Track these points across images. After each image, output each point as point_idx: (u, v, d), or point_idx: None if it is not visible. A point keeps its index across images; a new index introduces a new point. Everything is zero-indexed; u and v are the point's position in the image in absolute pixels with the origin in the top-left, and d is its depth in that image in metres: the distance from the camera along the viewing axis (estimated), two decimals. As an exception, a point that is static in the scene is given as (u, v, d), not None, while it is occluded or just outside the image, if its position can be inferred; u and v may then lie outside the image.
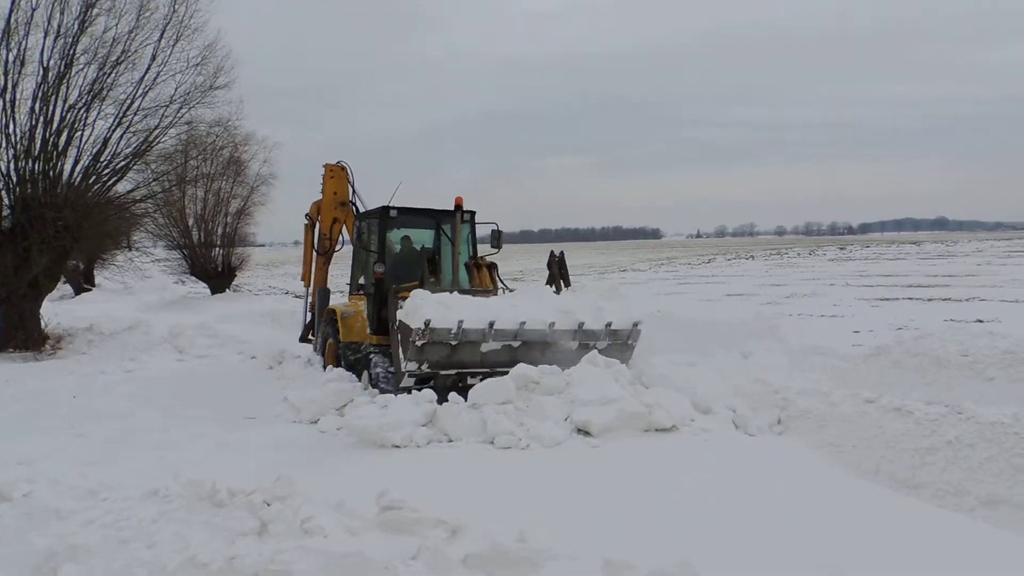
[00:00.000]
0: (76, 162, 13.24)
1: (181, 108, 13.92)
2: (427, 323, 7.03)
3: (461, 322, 7.16)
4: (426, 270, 8.21)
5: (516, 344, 7.53)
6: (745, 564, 3.90)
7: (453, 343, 7.25)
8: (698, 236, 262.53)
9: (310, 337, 11.72)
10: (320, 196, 11.53)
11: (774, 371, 7.94)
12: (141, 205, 16.12)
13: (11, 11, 11.97)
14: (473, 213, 9.62)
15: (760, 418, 6.91)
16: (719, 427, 6.77)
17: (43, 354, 12.78)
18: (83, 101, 12.83)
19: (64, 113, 12.71)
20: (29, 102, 12.49)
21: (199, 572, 3.63)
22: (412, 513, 3.93)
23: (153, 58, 13.24)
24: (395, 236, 9.85)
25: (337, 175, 11.33)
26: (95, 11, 12.52)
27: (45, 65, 12.36)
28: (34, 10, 12.13)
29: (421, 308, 7.10)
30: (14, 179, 12.63)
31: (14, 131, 12.41)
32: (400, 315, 7.34)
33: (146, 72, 13.23)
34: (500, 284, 9.38)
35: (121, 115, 13.26)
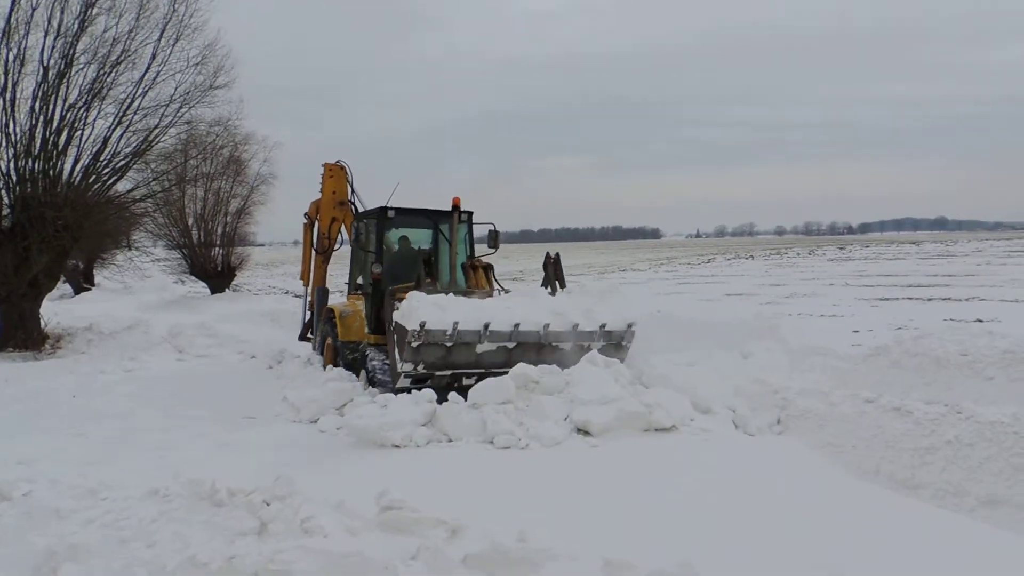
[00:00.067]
0: (76, 161, 13.24)
1: (181, 107, 13.93)
2: (422, 325, 7.07)
3: (456, 324, 7.21)
4: (422, 271, 8.25)
5: (511, 345, 7.58)
6: (745, 564, 3.90)
7: (448, 344, 7.29)
8: (698, 236, 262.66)
9: (309, 335, 11.76)
10: (319, 195, 11.55)
11: (774, 371, 7.94)
12: (141, 204, 16.11)
13: (11, 10, 11.96)
14: (470, 213, 9.65)
15: (760, 418, 6.91)
16: (719, 427, 6.78)
17: (43, 353, 12.77)
18: (83, 100, 12.83)
19: (64, 112, 12.71)
20: (29, 101, 12.49)
21: (199, 572, 3.63)
22: (412, 513, 3.93)
23: (153, 57, 13.24)
24: (393, 236, 9.89)
25: (336, 174, 11.33)
26: (95, 10, 12.52)
27: (45, 64, 12.35)
28: (34, 9, 12.13)
29: (417, 310, 7.14)
30: (14, 178, 12.62)
31: (14, 130, 12.41)
32: (396, 316, 7.39)
33: (146, 71, 13.24)
34: (496, 285, 9.41)
35: (121, 114, 13.27)
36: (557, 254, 9.26)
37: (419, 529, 3.85)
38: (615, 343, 8.08)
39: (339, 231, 11.50)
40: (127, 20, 12.83)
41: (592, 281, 26.04)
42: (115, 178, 13.93)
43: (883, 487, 5.50)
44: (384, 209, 9.21)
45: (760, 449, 6.36)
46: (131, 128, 13.49)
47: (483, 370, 7.51)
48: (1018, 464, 5.07)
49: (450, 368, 7.48)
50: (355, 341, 9.33)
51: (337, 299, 11.86)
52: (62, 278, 20.61)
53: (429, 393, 6.90)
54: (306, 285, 12.18)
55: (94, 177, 13.45)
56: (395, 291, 7.96)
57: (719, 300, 19.59)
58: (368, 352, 8.61)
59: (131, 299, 24.02)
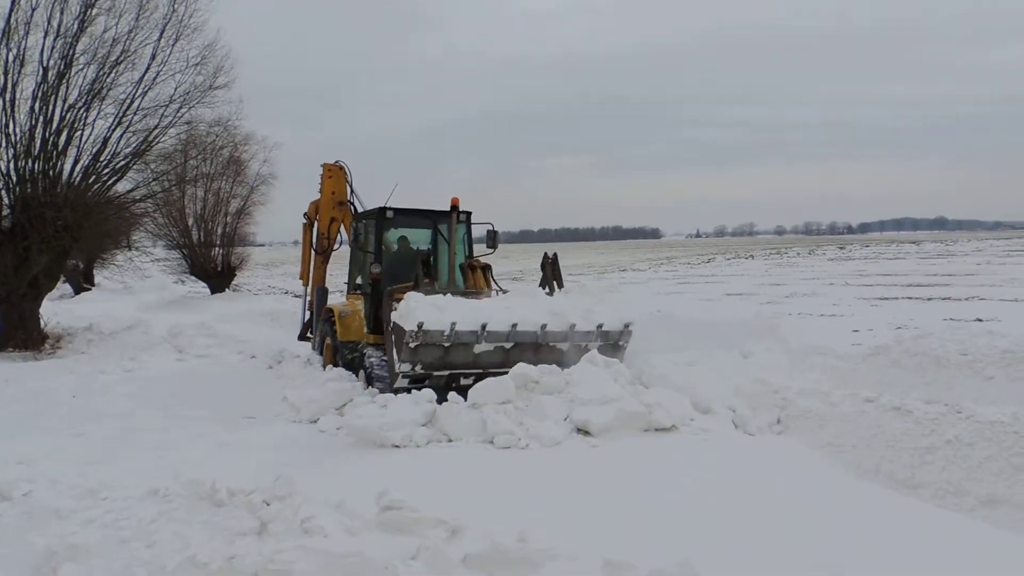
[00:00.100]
0: (76, 162, 13.25)
1: (181, 108, 13.93)
2: (420, 325, 7.09)
3: (454, 324, 7.23)
4: (420, 272, 8.28)
5: (508, 346, 7.60)
6: (745, 564, 3.90)
7: (446, 345, 7.32)
8: (697, 236, 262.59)
9: (308, 335, 11.78)
10: (318, 196, 11.56)
11: (774, 371, 7.94)
12: (141, 205, 16.12)
13: (11, 11, 11.97)
14: (469, 213, 9.69)
15: (760, 418, 6.91)
16: (719, 427, 6.78)
17: (43, 353, 12.77)
18: (83, 101, 12.83)
19: (64, 113, 12.71)
20: (29, 102, 12.49)
21: (199, 572, 3.63)
22: (412, 513, 3.93)
23: (153, 58, 13.24)
24: (392, 236, 9.91)
25: (335, 175, 11.36)
26: (95, 11, 12.52)
27: (45, 65, 12.36)
28: (34, 10, 12.14)
29: (414, 310, 7.17)
30: (14, 178, 12.63)
31: (14, 131, 12.42)
32: (394, 317, 7.41)
33: (146, 72, 13.25)
34: (494, 285, 9.45)
35: (121, 115, 13.27)
36: (555, 254, 9.29)
37: (419, 529, 3.85)
38: (612, 343, 8.10)
39: (338, 231, 11.52)
40: (127, 20, 12.86)
41: (592, 281, 26.05)
42: (115, 178, 13.94)
43: (883, 487, 5.49)
44: (383, 209, 9.23)
45: (760, 449, 6.36)
46: (131, 128, 13.51)
47: (481, 370, 7.53)
48: (1018, 464, 5.07)
49: (448, 368, 7.49)
50: (354, 341, 9.34)
51: (337, 299, 11.88)
52: (62, 278, 20.61)
53: (429, 393, 6.91)
54: (305, 285, 12.20)
55: (94, 177, 13.45)
56: (393, 291, 7.99)
57: (719, 300, 19.58)
58: (366, 352, 8.62)
59: (131, 299, 24.03)
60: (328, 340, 10.04)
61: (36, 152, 12.58)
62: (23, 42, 12.19)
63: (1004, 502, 4.97)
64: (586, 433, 6.49)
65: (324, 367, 9.74)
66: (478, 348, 7.47)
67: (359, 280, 10.06)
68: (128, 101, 13.24)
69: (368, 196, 11.18)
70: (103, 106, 13.18)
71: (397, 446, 6.30)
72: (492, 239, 9.72)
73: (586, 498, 4.96)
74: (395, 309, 7.48)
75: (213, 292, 24.79)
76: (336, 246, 11.81)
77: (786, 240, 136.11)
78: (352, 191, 11.28)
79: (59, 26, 12.30)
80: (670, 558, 3.45)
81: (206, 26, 13.86)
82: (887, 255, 44.89)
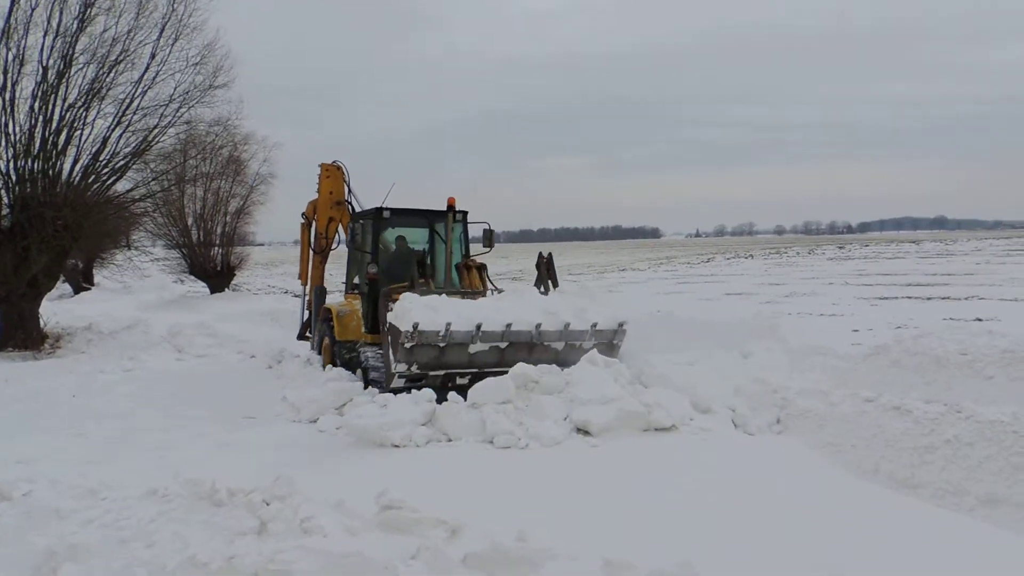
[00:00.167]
0: (75, 161, 13.24)
1: (180, 107, 13.93)
2: (415, 326, 7.14)
3: (449, 324, 7.28)
4: (416, 272, 8.33)
5: (503, 345, 7.64)
6: (745, 564, 3.91)
7: (441, 345, 7.37)
8: (697, 235, 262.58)
9: (307, 335, 11.80)
10: (316, 196, 11.60)
11: (773, 370, 7.95)
12: (140, 204, 16.12)
13: (11, 10, 11.96)
14: (465, 213, 9.74)
15: (759, 418, 6.92)
16: (718, 427, 6.78)
17: (42, 353, 12.77)
18: (82, 100, 12.83)
19: (63, 112, 12.71)
20: (28, 101, 12.49)
21: (198, 571, 3.63)
22: (412, 513, 3.93)
23: (152, 57, 13.24)
24: (390, 236, 9.95)
25: (333, 175, 11.40)
26: (94, 10, 12.51)
27: (44, 64, 12.35)
28: (33, 9, 12.13)
29: (410, 311, 7.22)
30: (13, 178, 12.62)
31: (13, 130, 12.41)
32: (390, 318, 7.47)
33: (145, 71, 13.24)
34: (489, 285, 9.49)
35: (120, 114, 13.27)
36: (550, 254, 9.36)
37: (419, 529, 3.85)
38: (606, 342, 8.14)
39: (336, 231, 11.54)
40: (126, 20, 12.85)
41: (591, 281, 26.06)
42: (114, 178, 13.94)
43: (883, 486, 5.49)
44: (380, 209, 9.29)
45: (760, 449, 6.36)
46: (130, 128, 13.51)
47: (476, 370, 7.60)
48: (1017, 463, 5.07)
49: (443, 368, 7.55)
50: (352, 340, 9.38)
51: (336, 299, 11.88)
52: (61, 278, 20.60)
53: (429, 393, 6.93)
54: (304, 285, 12.24)
55: (93, 177, 13.45)
56: (390, 291, 8.04)
57: (719, 299, 19.57)
58: (364, 351, 8.67)
59: (130, 299, 24.02)
60: (326, 340, 10.06)
61: (36, 151, 12.58)
62: (23, 41, 12.20)
63: (1004, 502, 4.97)
64: (586, 433, 6.50)
65: (324, 367, 9.75)
66: (473, 348, 7.52)
67: (357, 280, 10.09)
68: (128, 101, 13.25)
69: (368, 196, 11.20)
70: (103, 106, 13.20)
71: (397, 446, 6.31)
72: (488, 238, 9.78)
73: (586, 498, 4.96)
74: (391, 310, 7.53)
75: (212, 292, 24.78)
76: (334, 246, 11.84)
77: (786, 240, 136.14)
78: (350, 191, 11.31)
79: (59, 25, 12.30)
80: (670, 558, 3.46)
81: (206, 25, 13.88)
82: (887, 255, 44.88)
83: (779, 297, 19.58)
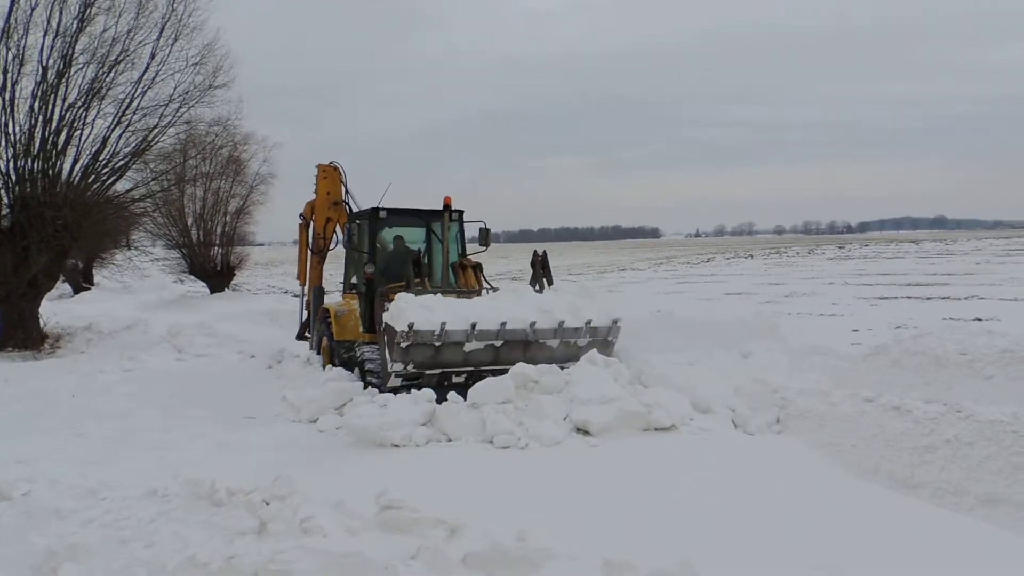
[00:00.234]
0: (75, 161, 13.25)
1: (180, 107, 13.94)
2: (411, 326, 7.20)
3: (444, 324, 7.33)
4: (411, 272, 8.37)
5: (498, 344, 7.69)
6: (745, 564, 3.91)
7: (437, 344, 7.42)
8: (697, 235, 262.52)
9: (306, 335, 11.83)
10: (314, 196, 11.63)
11: (773, 370, 7.95)
12: (140, 204, 16.12)
13: (10, 10, 11.96)
14: (461, 212, 9.81)
15: (759, 417, 6.92)
16: (718, 427, 6.79)
17: (42, 353, 12.77)
18: (82, 100, 12.83)
19: (63, 112, 12.71)
20: (28, 101, 12.49)
21: (198, 571, 3.63)
22: (411, 513, 3.93)
23: (152, 57, 13.24)
24: (388, 236, 10.01)
25: (330, 175, 11.45)
26: (94, 10, 12.52)
27: (44, 64, 12.35)
28: (33, 9, 12.14)
29: (405, 311, 7.28)
30: (13, 178, 12.63)
31: (13, 130, 12.41)
32: (385, 317, 7.53)
33: (145, 71, 13.25)
34: (485, 284, 9.53)
35: (120, 114, 13.27)
36: (544, 252, 9.42)
37: (419, 529, 3.85)
38: (601, 339, 8.19)
39: (334, 231, 11.58)
40: (126, 20, 12.86)
41: (591, 280, 26.06)
42: (114, 178, 13.94)
43: (882, 486, 5.49)
44: (376, 210, 9.34)
45: (760, 449, 6.36)
46: (130, 128, 13.52)
47: (472, 368, 7.68)
48: (1017, 463, 5.07)
49: (439, 367, 7.61)
50: (350, 340, 9.41)
51: (335, 299, 11.89)
52: (61, 278, 20.60)
53: (428, 393, 6.95)
54: (302, 285, 12.26)
55: (93, 177, 13.45)
56: (387, 291, 8.10)
57: (719, 299, 19.57)
58: (361, 349, 8.74)
59: (130, 298, 24.02)
60: (325, 340, 10.10)
61: (35, 151, 12.58)
62: (22, 41, 12.20)
63: (1003, 501, 4.97)
64: (586, 433, 6.50)
65: (324, 367, 9.76)
66: (468, 347, 7.58)
67: (354, 280, 10.12)
68: (127, 100, 13.26)
69: (368, 196, 11.22)
70: (102, 105, 13.21)
71: (397, 446, 6.31)
72: (485, 237, 9.85)
73: (586, 498, 4.96)
74: (387, 310, 7.59)
75: (212, 291, 24.78)
76: (332, 246, 11.86)
77: (785, 240, 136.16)
78: (347, 191, 11.37)
79: (58, 25, 12.30)
80: (670, 558, 3.46)
81: (205, 25, 13.88)
82: (886, 254, 44.88)
83: (779, 297, 19.58)
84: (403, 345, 7.26)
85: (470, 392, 6.88)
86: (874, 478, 5.64)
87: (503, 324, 7.60)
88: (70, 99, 12.73)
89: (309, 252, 11.97)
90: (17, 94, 12.38)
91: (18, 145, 12.48)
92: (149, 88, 13.39)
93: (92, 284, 28.04)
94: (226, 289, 25.23)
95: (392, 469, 5.73)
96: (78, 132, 13.00)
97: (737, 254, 56.09)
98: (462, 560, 3.56)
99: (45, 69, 12.35)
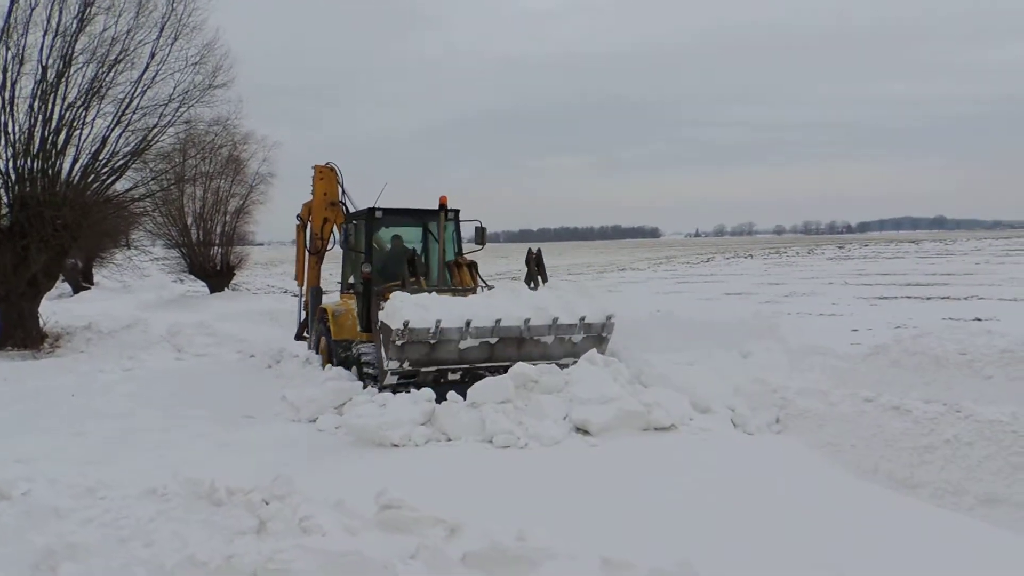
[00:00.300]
0: (75, 161, 13.24)
1: (180, 107, 13.93)
2: (406, 324, 7.25)
3: (439, 322, 7.38)
4: (406, 271, 8.42)
5: (493, 341, 7.74)
6: (745, 564, 3.90)
7: (432, 342, 7.47)
8: (697, 235, 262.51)
9: (305, 335, 11.85)
10: (311, 197, 11.64)
11: (773, 370, 7.95)
12: (140, 204, 16.10)
13: (10, 9, 11.96)
14: (457, 212, 9.86)
15: (759, 417, 6.92)
16: (718, 426, 6.79)
17: (42, 353, 12.77)
18: (82, 100, 12.82)
19: (63, 112, 12.70)
20: (28, 100, 12.49)
21: (197, 571, 3.62)
22: (411, 512, 3.93)
23: (152, 57, 13.23)
24: (386, 235, 10.09)
25: (326, 176, 11.49)
26: (93, 10, 12.51)
27: (44, 64, 12.34)
28: (33, 8, 12.13)
29: (400, 309, 7.33)
30: (13, 177, 12.62)
31: (13, 129, 12.41)
32: (381, 316, 7.58)
33: (145, 71, 13.24)
34: (480, 282, 9.60)
35: (120, 114, 13.26)
36: (539, 250, 9.46)
37: (418, 528, 3.85)
38: (595, 335, 8.21)
39: (331, 232, 11.60)
40: (126, 19, 12.85)
41: (590, 280, 26.05)
42: (114, 177, 13.94)
43: (882, 486, 5.50)
44: (372, 210, 9.41)
45: (759, 448, 6.36)
46: (130, 127, 13.51)
47: (468, 365, 7.76)
48: (1017, 463, 5.07)
49: (435, 364, 7.67)
50: (347, 340, 9.46)
51: (333, 298, 11.90)
52: (61, 277, 20.60)
53: (428, 392, 6.96)
54: (301, 285, 12.29)
55: (93, 176, 13.45)
56: (382, 291, 8.16)
57: (718, 299, 19.57)
58: (358, 347, 8.81)
59: (130, 298, 24.01)
60: (323, 339, 10.14)
61: (35, 151, 12.58)
62: (22, 41, 12.20)
63: (1003, 501, 4.97)
64: (585, 432, 6.50)
65: (323, 366, 9.78)
66: (463, 344, 7.63)
67: (352, 280, 10.17)
68: (127, 100, 13.25)
69: (368, 196, 11.24)
70: (102, 105, 13.20)
71: (396, 445, 6.31)
72: (480, 236, 9.93)
73: (585, 497, 4.96)
74: (382, 308, 7.63)
75: (212, 291, 24.79)
76: (330, 246, 11.89)
77: (785, 239, 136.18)
78: (343, 192, 11.40)
79: (58, 25, 12.29)
80: (669, 557, 3.46)
81: (205, 25, 13.87)
82: (886, 254, 44.89)
83: (779, 297, 19.58)
84: (399, 343, 7.32)
85: (469, 392, 6.89)
86: (874, 478, 5.65)
87: (498, 321, 7.66)
88: (70, 98, 12.74)
89: (307, 253, 11.99)
90: (17, 93, 12.38)
91: (18, 144, 12.47)
92: (149, 88, 13.40)
93: (92, 283, 28.04)
94: (226, 289, 25.24)
95: (391, 468, 5.73)
96: (78, 131, 13.00)
97: (737, 254, 56.09)
98: (461, 559, 3.56)
99: (45, 68, 12.34)
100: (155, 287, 27.03)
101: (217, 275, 25.15)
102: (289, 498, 4.16)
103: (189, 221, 23.94)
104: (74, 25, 12.38)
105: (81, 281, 27.30)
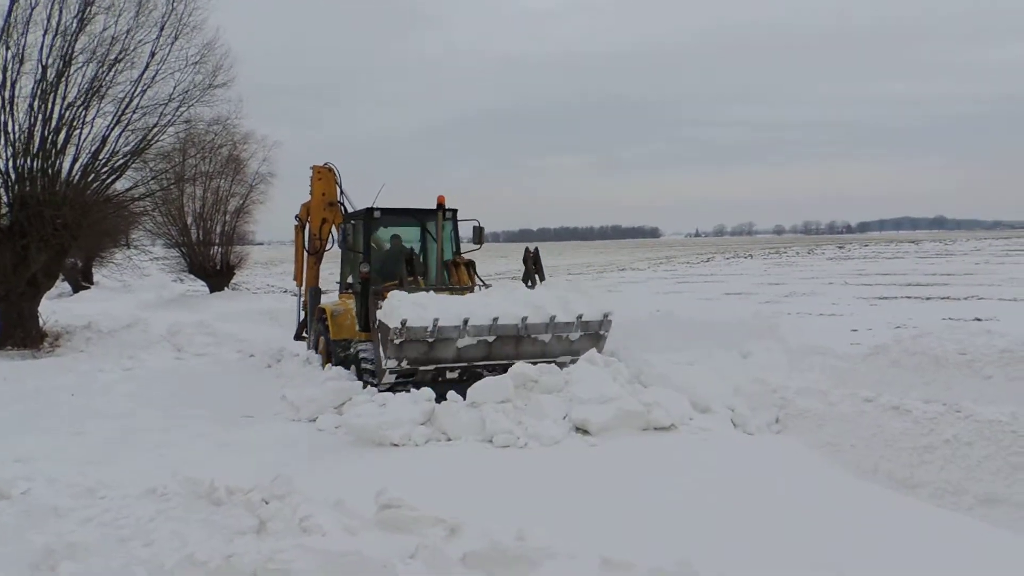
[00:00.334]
0: (75, 160, 13.22)
1: (180, 106, 13.91)
2: (403, 323, 7.29)
3: (436, 320, 7.42)
4: (404, 270, 8.45)
5: (491, 339, 7.78)
6: (744, 563, 3.90)
7: (430, 340, 7.51)
8: (697, 235, 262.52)
9: (304, 335, 11.86)
10: (309, 198, 11.65)
11: (773, 370, 7.96)
12: (140, 203, 16.09)
13: (10, 9, 11.95)
14: (455, 211, 9.91)
15: (759, 417, 6.92)
16: (718, 426, 6.79)
17: (41, 352, 12.76)
18: (82, 99, 12.81)
19: (63, 111, 12.69)
20: (28, 100, 12.47)
21: (197, 570, 3.62)
22: (411, 512, 3.93)
23: (152, 56, 13.22)
24: (384, 235, 10.13)
25: (325, 176, 11.51)
26: (94, 9, 12.49)
27: (44, 63, 12.33)
28: (33, 8, 12.11)
29: (398, 308, 7.36)
30: (13, 177, 12.61)
31: (13, 129, 12.40)
32: (379, 315, 7.61)
33: (145, 70, 13.22)
34: (477, 281, 9.62)
35: (120, 113, 13.25)
36: (536, 249, 9.51)
37: (418, 528, 3.85)
38: (592, 333, 8.24)
39: (330, 232, 11.62)
40: (126, 19, 12.83)
41: (590, 280, 26.05)
42: (114, 177, 13.93)
43: (882, 486, 5.50)
44: (370, 210, 9.45)
45: (759, 448, 6.36)
46: (130, 127, 13.49)
47: (465, 364, 7.79)
48: (1016, 463, 5.07)
49: (433, 363, 7.69)
50: (346, 339, 9.48)
51: (332, 298, 11.91)
52: (61, 276, 20.59)
53: (428, 392, 6.97)
54: (299, 285, 12.30)
55: (93, 176, 13.44)
56: (380, 290, 8.20)
57: (718, 299, 19.57)
58: (357, 346, 8.85)
59: (130, 297, 24.02)
60: (322, 339, 10.16)
61: (35, 150, 12.57)
62: (22, 40, 12.18)
63: (1002, 501, 4.98)
64: (585, 432, 6.50)
65: (323, 366, 9.79)
66: (461, 342, 7.66)
67: (350, 279, 10.20)
68: (127, 99, 13.23)
69: (368, 195, 11.24)
70: (102, 104, 13.18)
71: (396, 445, 6.31)
72: (478, 235, 9.99)
73: (585, 497, 4.96)
74: (380, 308, 7.65)
75: (212, 291, 24.80)
76: (328, 246, 11.90)
77: (785, 239, 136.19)
78: (342, 192, 11.42)
79: (58, 24, 12.28)
80: (669, 557, 3.46)
81: (205, 24, 13.86)
82: (886, 254, 44.89)
83: (778, 297, 19.58)
84: (396, 342, 7.35)
85: (469, 391, 6.90)
86: (873, 478, 5.65)
87: (495, 320, 7.69)
88: (70, 98, 12.72)
89: (305, 253, 12.01)
90: (17, 93, 12.36)
91: (17, 144, 12.46)
92: (149, 87, 13.38)
93: (91, 283, 28.04)
94: (225, 288, 25.25)
95: (391, 468, 5.73)
96: (77, 131, 12.99)
97: (737, 254, 56.09)
98: (461, 559, 3.56)
99: (45, 68, 12.33)
100: (155, 287, 27.03)
101: (217, 275, 25.16)
102: (289, 498, 4.16)
103: (189, 221, 23.95)
104: (74, 24, 12.37)
105: (81, 280, 27.30)
